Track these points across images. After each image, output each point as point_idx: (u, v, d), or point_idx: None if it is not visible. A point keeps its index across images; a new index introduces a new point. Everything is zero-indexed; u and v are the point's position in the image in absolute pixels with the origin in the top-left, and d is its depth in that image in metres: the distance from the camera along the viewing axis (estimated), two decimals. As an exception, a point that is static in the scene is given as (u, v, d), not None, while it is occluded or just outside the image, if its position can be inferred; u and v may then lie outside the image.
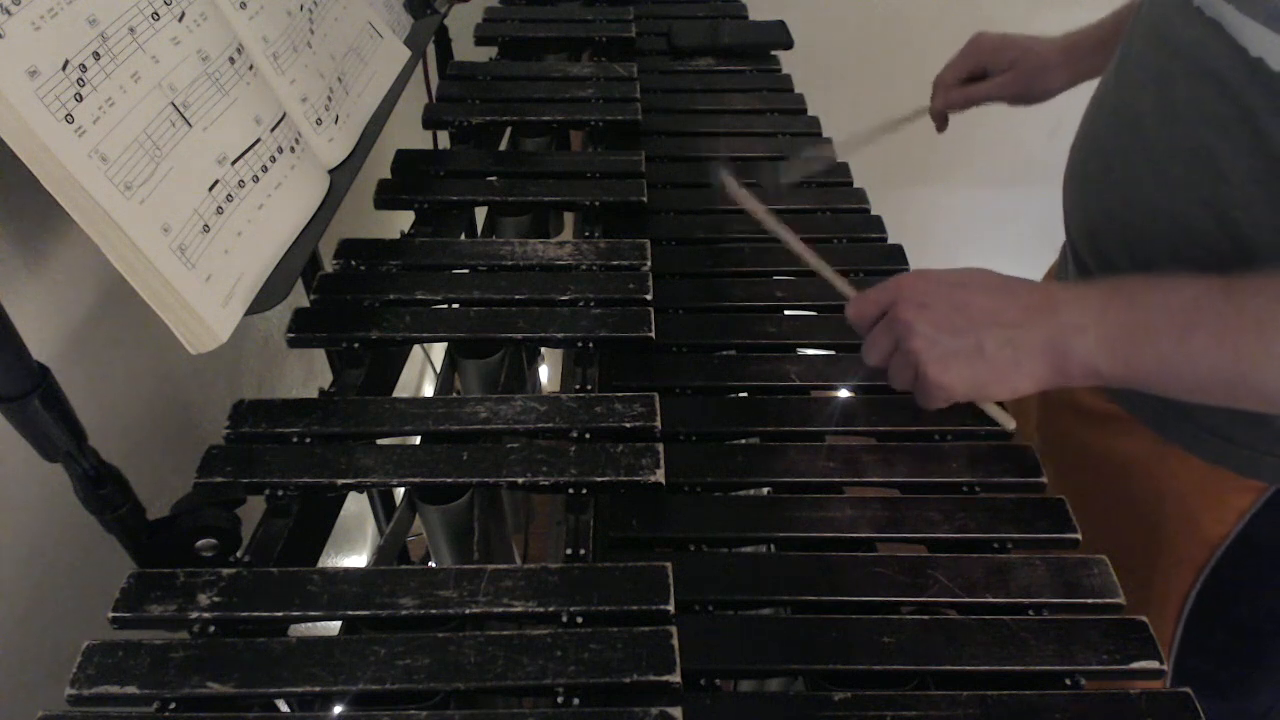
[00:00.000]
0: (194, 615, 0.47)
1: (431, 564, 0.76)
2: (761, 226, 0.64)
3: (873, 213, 0.84)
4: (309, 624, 0.49)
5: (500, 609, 0.48)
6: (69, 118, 0.46)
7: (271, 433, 0.58)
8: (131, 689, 0.44)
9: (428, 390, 1.30)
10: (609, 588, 0.49)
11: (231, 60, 0.59)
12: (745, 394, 0.66)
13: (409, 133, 0.93)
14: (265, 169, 0.60)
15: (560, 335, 0.66)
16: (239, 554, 0.53)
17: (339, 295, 0.68)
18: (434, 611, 0.48)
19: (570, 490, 0.56)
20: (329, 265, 0.73)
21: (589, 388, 0.65)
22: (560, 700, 0.45)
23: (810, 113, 1.01)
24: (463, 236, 0.82)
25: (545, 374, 1.26)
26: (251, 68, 0.61)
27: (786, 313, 0.73)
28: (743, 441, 0.62)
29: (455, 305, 0.68)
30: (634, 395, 0.60)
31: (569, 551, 0.54)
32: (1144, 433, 0.67)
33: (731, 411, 0.64)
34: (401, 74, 0.84)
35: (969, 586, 0.52)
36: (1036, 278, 0.72)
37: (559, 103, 0.93)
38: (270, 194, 0.60)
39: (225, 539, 0.51)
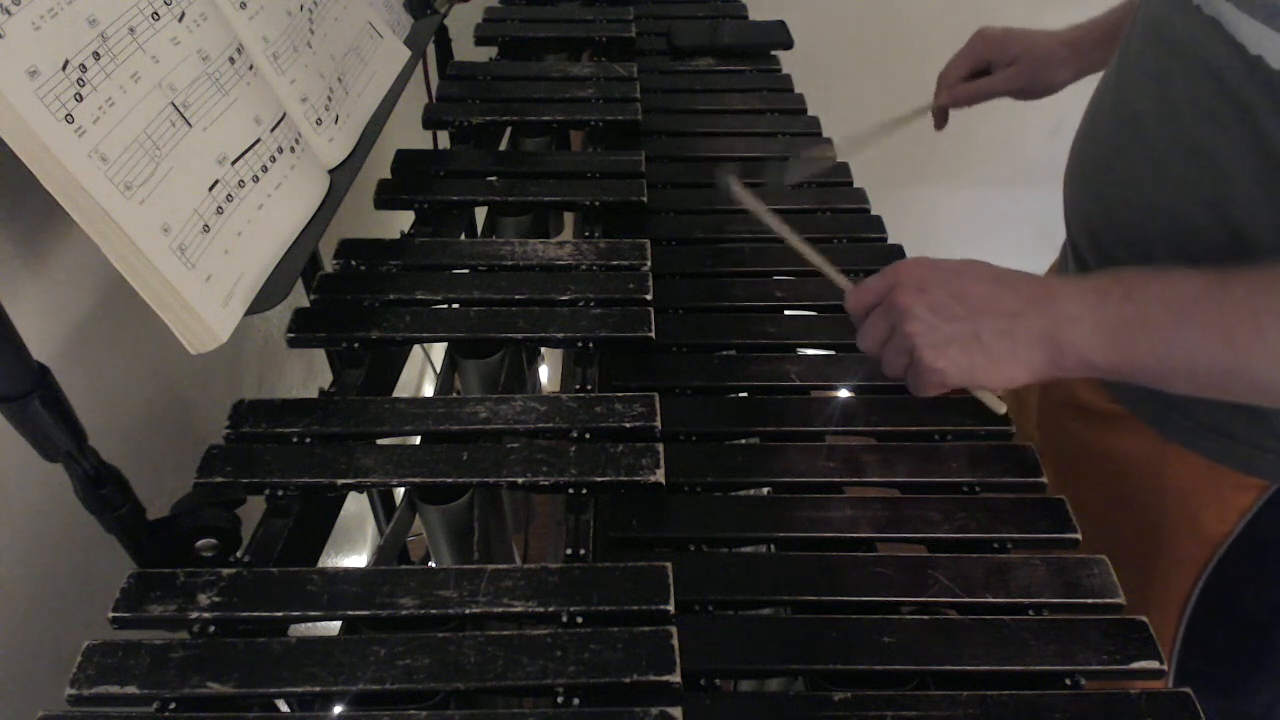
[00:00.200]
0: (194, 615, 0.47)
1: (431, 564, 0.76)
2: (765, 226, 0.64)
3: (873, 213, 0.84)
4: (309, 624, 0.49)
5: (500, 609, 0.48)
6: (69, 118, 0.46)
7: (271, 433, 0.58)
8: (131, 689, 0.44)
9: (428, 390, 1.30)
10: (609, 588, 0.49)
11: (231, 60, 0.59)
12: (745, 394, 0.66)
13: (409, 133, 0.93)
14: (265, 169, 0.60)
15: (560, 335, 0.66)
16: (239, 554, 0.53)
17: (339, 295, 0.68)
18: (434, 611, 0.48)
19: (570, 490, 0.56)
20: (329, 265, 0.73)
21: (589, 388, 0.65)
22: (560, 700, 0.45)
23: (810, 113, 1.01)
24: (463, 236, 0.82)
25: (545, 374, 1.26)
26: (251, 68, 0.61)
27: (786, 313, 0.73)
28: (743, 441, 0.62)
29: (455, 305, 0.68)
30: (634, 395, 0.60)
31: (569, 551, 0.54)
32: (1145, 431, 0.67)
33: (731, 411, 0.64)
34: (401, 74, 0.84)
35: (969, 586, 0.52)
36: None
37: (559, 103, 0.93)
38: (270, 194, 0.60)
39: (225, 539, 0.51)
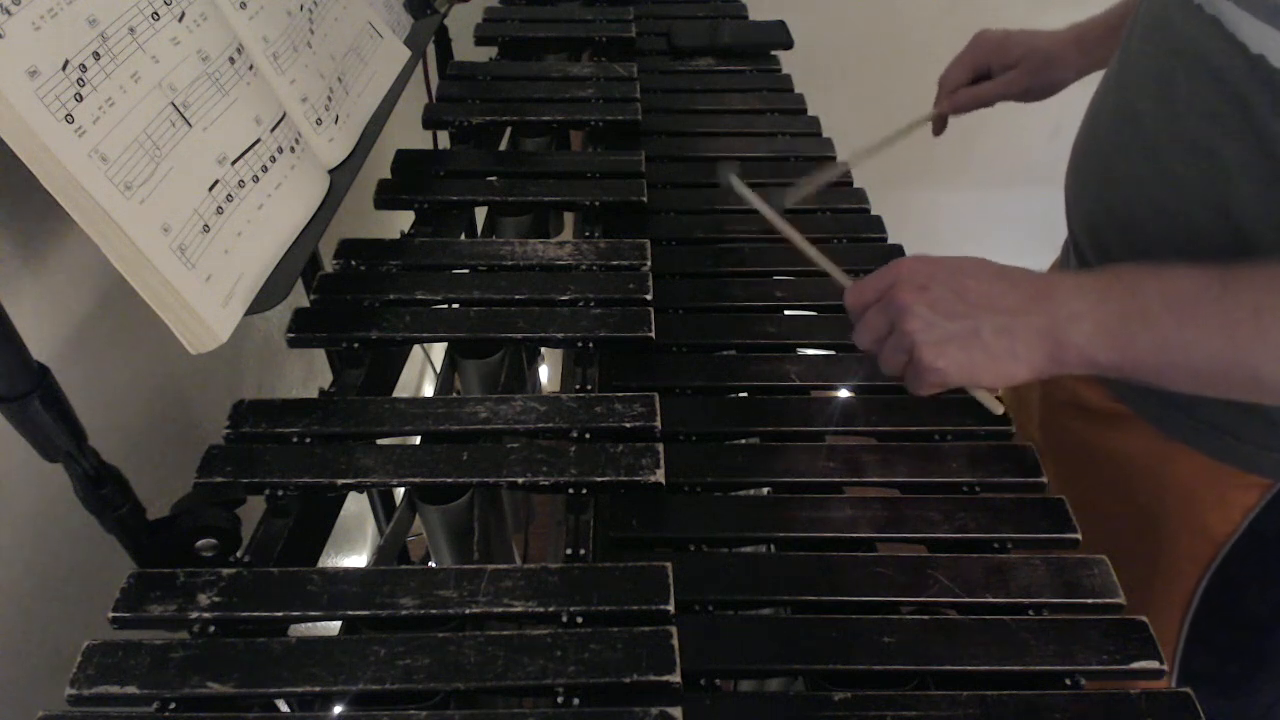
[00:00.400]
0: (194, 615, 0.47)
1: (431, 564, 0.76)
2: (767, 224, 0.64)
3: (873, 213, 0.84)
4: (309, 624, 0.49)
5: (500, 609, 0.48)
6: (69, 118, 0.46)
7: (271, 433, 0.58)
8: (131, 689, 0.44)
9: (428, 390, 1.30)
10: (609, 588, 0.49)
11: (231, 60, 0.59)
12: (745, 394, 0.66)
13: (409, 133, 0.93)
14: (265, 169, 0.60)
15: (560, 335, 0.66)
16: (239, 554, 0.53)
17: (339, 295, 0.68)
18: (434, 611, 0.48)
19: (570, 490, 0.56)
20: (329, 265, 0.73)
21: (589, 388, 0.65)
22: (560, 700, 0.45)
23: (810, 113, 1.01)
24: (463, 236, 0.82)
25: (545, 374, 1.26)
26: (251, 68, 0.61)
27: (786, 313, 0.73)
28: (743, 441, 0.62)
29: (455, 305, 0.68)
30: (634, 395, 0.60)
31: (569, 551, 0.54)
32: (1147, 430, 0.67)
33: (731, 411, 0.64)
34: (401, 74, 0.84)
35: (969, 586, 0.52)
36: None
37: (559, 103, 0.93)
38: (270, 194, 0.60)
39: (225, 539, 0.51)
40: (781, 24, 1.17)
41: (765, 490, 0.61)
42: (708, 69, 1.11)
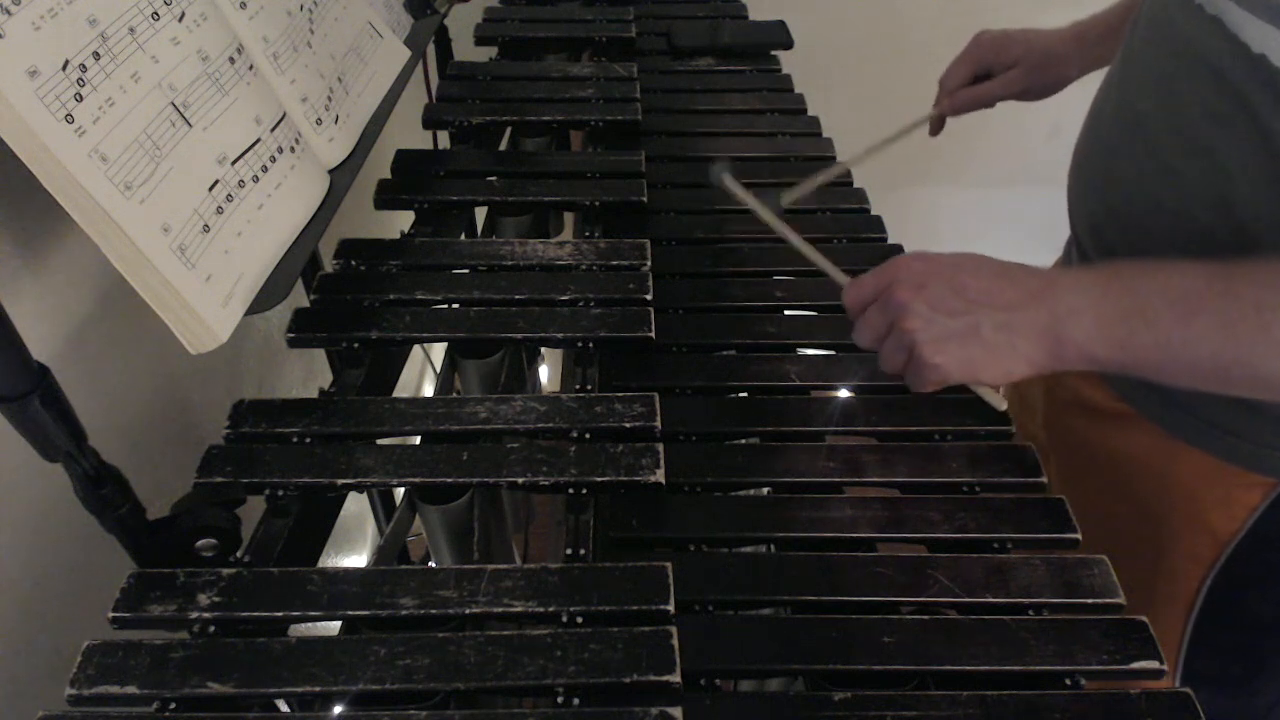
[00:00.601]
0: (194, 615, 0.47)
1: (431, 564, 0.76)
2: (760, 222, 0.63)
3: (873, 213, 0.84)
4: (309, 624, 0.49)
5: (500, 609, 0.48)
6: (69, 118, 0.46)
7: (271, 433, 0.58)
8: (131, 689, 0.44)
9: (428, 390, 1.30)
10: (609, 588, 0.49)
11: (231, 60, 0.59)
12: (745, 394, 0.66)
13: (409, 133, 0.93)
14: (265, 169, 0.60)
15: (560, 335, 0.66)
16: (239, 554, 0.53)
17: (339, 295, 0.68)
18: (434, 611, 0.48)
19: (570, 490, 0.56)
20: (329, 265, 0.73)
21: (589, 388, 0.65)
22: (560, 700, 0.45)
23: (810, 113, 1.01)
24: (463, 236, 0.82)
25: (545, 374, 1.26)
26: (251, 68, 0.61)
27: (786, 313, 0.73)
28: (743, 441, 0.62)
29: (455, 305, 0.68)
30: (634, 395, 0.60)
31: (569, 551, 0.54)
32: (1151, 429, 0.67)
33: (731, 411, 0.64)
34: (401, 74, 0.84)
35: (969, 586, 0.52)
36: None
37: (559, 103, 0.93)
38: (270, 194, 0.60)
39: (225, 539, 0.51)
40: (781, 24, 1.17)
41: (765, 490, 0.61)
42: (708, 69, 1.11)
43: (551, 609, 0.48)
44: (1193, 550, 0.68)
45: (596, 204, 0.81)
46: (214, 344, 0.53)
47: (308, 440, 0.58)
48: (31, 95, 0.44)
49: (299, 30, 0.69)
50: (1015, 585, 0.52)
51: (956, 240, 2.15)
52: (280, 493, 0.55)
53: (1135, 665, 0.48)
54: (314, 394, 0.63)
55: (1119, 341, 0.48)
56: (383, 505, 1.05)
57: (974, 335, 0.50)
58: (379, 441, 0.58)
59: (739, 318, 0.72)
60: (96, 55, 0.48)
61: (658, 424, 0.59)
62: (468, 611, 0.48)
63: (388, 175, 0.83)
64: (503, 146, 0.98)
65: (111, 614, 0.47)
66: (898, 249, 0.79)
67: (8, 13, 0.43)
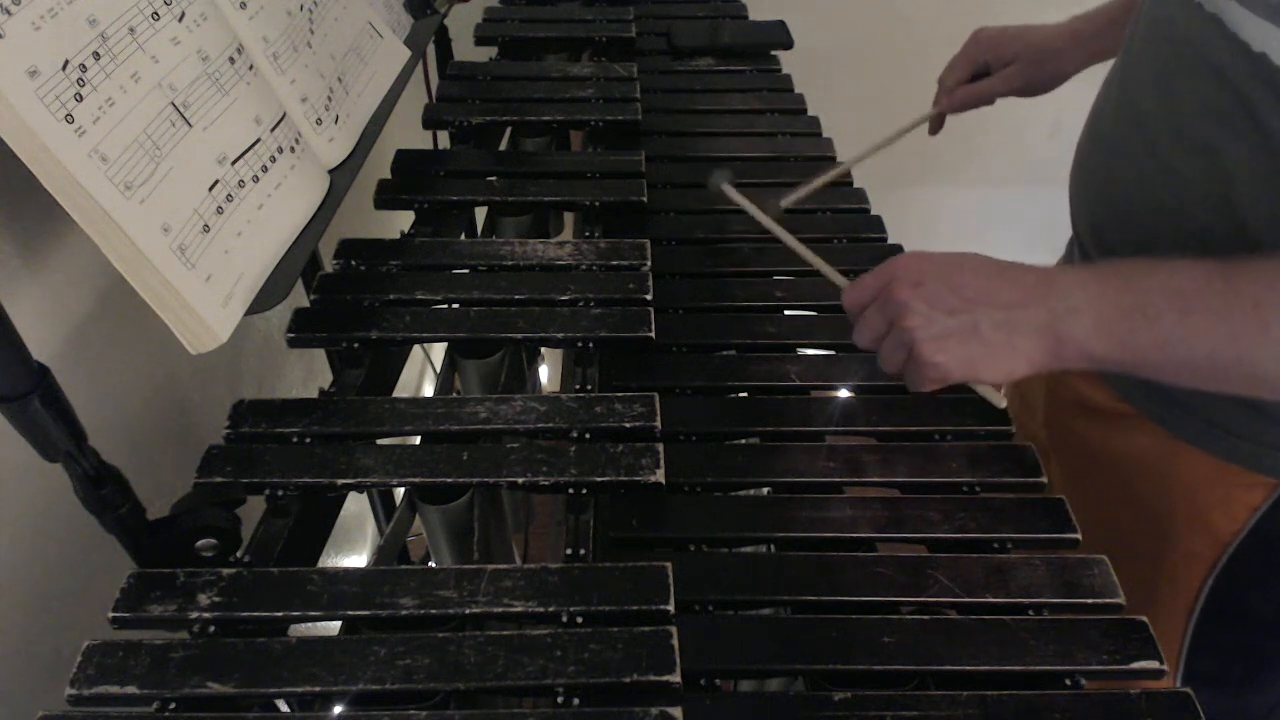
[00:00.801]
0: (194, 615, 0.47)
1: (431, 564, 0.76)
2: (759, 226, 0.64)
3: (873, 213, 0.84)
4: (309, 624, 0.49)
5: (500, 609, 0.48)
6: (69, 118, 0.46)
7: (271, 433, 0.58)
8: (131, 689, 0.44)
9: (428, 390, 1.30)
10: (609, 588, 0.49)
11: (231, 60, 0.59)
12: (745, 394, 0.66)
13: (409, 133, 0.93)
14: (265, 169, 0.60)
15: (560, 335, 0.66)
16: (239, 554, 0.53)
17: (339, 295, 0.68)
18: (434, 611, 0.48)
19: (570, 490, 0.56)
20: (329, 265, 0.73)
21: (589, 388, 0.65)
22: (560, 700, 0.45)
23: (810, 113, 1.01)
24: (463, 236, 0.82)
25: (545, 374, 1.26)
26: (251, 68, 0.61)
27: (786, 313, 0.73)
28: (743, 441, 0.62)
29: (455, 305, 0.68)
30: (634, 395, 0.60)
31: (569, 551, 0.54)
32: (1152, 429, 0.67)
33: (731, 411, 0.64)
34: (401, 74, 0.84)
35: (969, 586, 0.52)
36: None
37: (559, 103, 0.93)
38: (270, 194, 0.60)
39: (225, 539, 0.51)
40: (781, 24, 1.17)
41: (765, 490, 0.61)
42: (708, 69, 1.11)
43: (551, 609, 0.48)
44: (1194, 550, 0.68)
45: (596, 204, 0.81)
46: (214, 344, 0.53)
47: (308, 440, 0.58)
48: (31, 95, 0.44)
49: (299, 30, 0.69)
50: (1015, 585, 0.52)
51: (956, 240, 2.15)
52: (280, 493, 0.55)
53: (1135, 665, 0.48)
54: (314, 394, 0.63)
55: (1119, 340, 0.48)
56: (383, 505, 1.05)
57: (973, 334, 0.50)
58: (379, 441, 0.58)
59: (739, 318, 0.72)
60: (96, 55, 0.48)
61: (658, 424, 0.59)
62: (468, 611, 0.48)
63: (388, 175, 0.83)
64: (503, 146, 0.98)
65: (111, 614, 0.47)
66: (898, 249, 0.79)
67: (8, 13, 0.43)
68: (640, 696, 0.45)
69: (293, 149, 0.64)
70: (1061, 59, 0.82)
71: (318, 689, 0.44)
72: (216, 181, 0.56)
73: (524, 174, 0.84)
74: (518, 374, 0.76)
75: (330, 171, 0.69)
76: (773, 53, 1.15)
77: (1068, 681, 0.48)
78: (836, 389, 0.66)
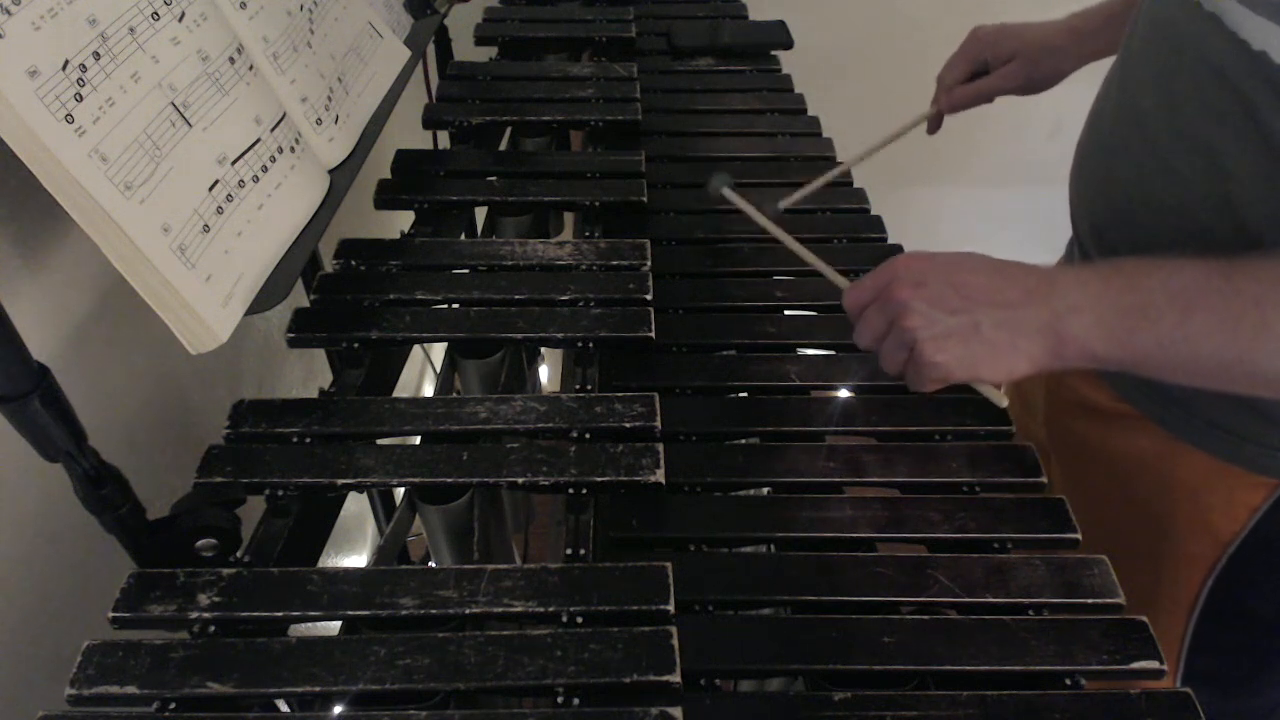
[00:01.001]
0: (194, 615, 0.47)
1: (431, 564, 0.76)
2: (759, 226, 0.64)
3: (873, 213, 0.84)
4: (309, 624, 0.49)
5: (500, 609, 0.48)
6: (69, 118, 0.46)
7: (271, 433, 0.58)
8: (131, 689, 0.44)
9: (428, 390, 1.30)
10: (609, 588, 0.49)
11: (231, 60, 0.59)
12: (745, 394, 0.66)
13: (409, 133, 0.93)
14: (265, 169, 0.60)
15: (560, 335, 0.66)
16: (239, 554, 0.53)
17: (339, 295, 0.68)
18: (434, 611, 0.48)
19: (570, 490, 0.56)
20: (329, 265, 0.73)
21: (589, 388, 0.65)
22: (560, 700, 0.45)
23: (810, 113, 1.01)
24: (463, 236, 0.82)
25: (545, 374, 1.26)
26: (251, 68, 0.61)
27: (786, 313, 0.73)
28: (743, 441, 0.62)
29: (455, 305, 0.68)
30: (634, 395, 0.60)
31: (569, 551, 0.54)
32: (1153, 430, 0.67)
33: (731, 411, 0.64)
34: (401, 74, 0.84)
35: (969, 586, 0.52)
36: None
37: (559, 103, 0.93)
38: (270, 194, 0.60)
39: (225, 539, 0.51)
40: (781, 24, 1.17)
41: (765, 490, 0.61)
42: (708, 69, 1.11)
43: (551, 609, 0.48)
44: (1194, 551, 0.68)
45: (596, 204, 0.81)
46: (214, 344, 0.53)
47: (308, 440, 0.58)
48: (31, 95, 0.44)
49: (299, 30, 0.69)
50: (1015, 585, 0.52)
51: (956, 240, 2.15)
52: (280, 493, 0.55)
53: (1135, 665, 0.48)
54: (314, 394, 0.63)
55: (1119, 338, 0.48)
56: (383, 505, 1.05)
57: (974, 333, 0.50)
58: (379, 441, 0.58)
59: (739, 318, 0.72)
60: (96, 55, 0.48)
61: (658, 424, 0.59)
62: (468, 611, 0.48)
63: (388, 175, 0.83)
64: (503, 146, 0.98)
65: (111, 614, 0.47)
66: (898, 249, 0.79)
67: (8, 13, 0.43)
68: (640, 696, 0.45)
69: (293, 149, 0.64)
70: (1060, 56, 0.82)
71: (318, 689, 0.44)
72: (216, 181, 0.56)
73: (524, 174, 0.84)
74: (518, 374, 0.76)
75: (330, 171, 0.69)
76: (773, 53, 1.15)
77: (1068, 681, 0.48)
78: (836, 389, 0.66)
